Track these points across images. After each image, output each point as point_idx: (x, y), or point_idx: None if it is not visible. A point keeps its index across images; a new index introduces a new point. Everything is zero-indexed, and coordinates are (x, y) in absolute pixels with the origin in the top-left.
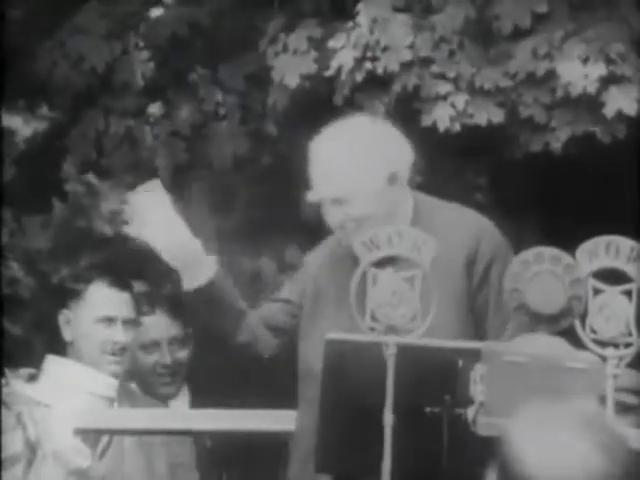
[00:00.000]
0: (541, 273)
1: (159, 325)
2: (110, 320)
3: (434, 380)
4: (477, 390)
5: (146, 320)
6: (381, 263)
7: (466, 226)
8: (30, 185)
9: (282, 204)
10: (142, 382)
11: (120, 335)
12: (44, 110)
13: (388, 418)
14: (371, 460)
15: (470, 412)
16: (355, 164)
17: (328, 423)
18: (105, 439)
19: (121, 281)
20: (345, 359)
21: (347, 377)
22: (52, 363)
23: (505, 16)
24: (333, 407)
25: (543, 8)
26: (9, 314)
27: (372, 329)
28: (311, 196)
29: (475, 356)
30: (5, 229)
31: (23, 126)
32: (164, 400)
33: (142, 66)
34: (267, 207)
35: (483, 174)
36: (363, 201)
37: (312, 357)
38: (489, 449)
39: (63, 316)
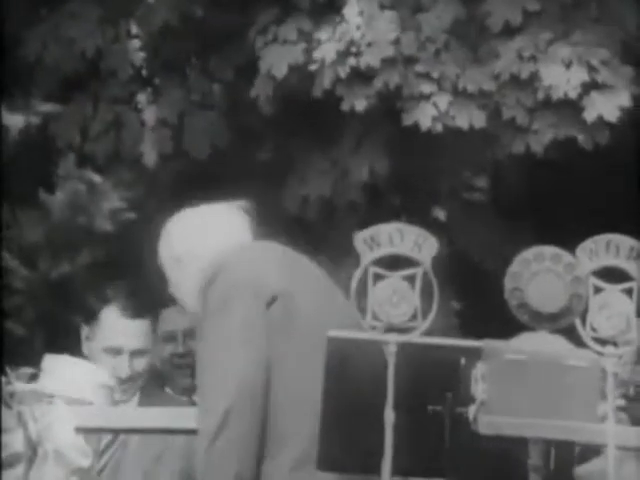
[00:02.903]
0: (542, 272)
1: (174, 317)
2: (117, 351)
3: (435, 378)
4: (478, 388)
5: (163, 312)
6: (381, 261)
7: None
8: (24, 177)
9: (263, 198)
10: (161, 375)
11: (124, 369)
12: (37, 102)
13: (389, 416)
14: (373, 458)
15: (471, 410)
16: (160, 255)
17: (330, 421)
18: (107, 438)
19: (135, 310)
20: (347, 357)
21: (349, 375)
22: (50, 360)
23: (496, 13)
24: (335, 404)
25: (535, 6)
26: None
27: (373, 327)
28: None
29: (476, 354)
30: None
31: (16, 117)
32: (186, 394)
33: (133, 54)
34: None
35: (478, 173)
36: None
37: None
38: (490, 447)
39: (84, 331)
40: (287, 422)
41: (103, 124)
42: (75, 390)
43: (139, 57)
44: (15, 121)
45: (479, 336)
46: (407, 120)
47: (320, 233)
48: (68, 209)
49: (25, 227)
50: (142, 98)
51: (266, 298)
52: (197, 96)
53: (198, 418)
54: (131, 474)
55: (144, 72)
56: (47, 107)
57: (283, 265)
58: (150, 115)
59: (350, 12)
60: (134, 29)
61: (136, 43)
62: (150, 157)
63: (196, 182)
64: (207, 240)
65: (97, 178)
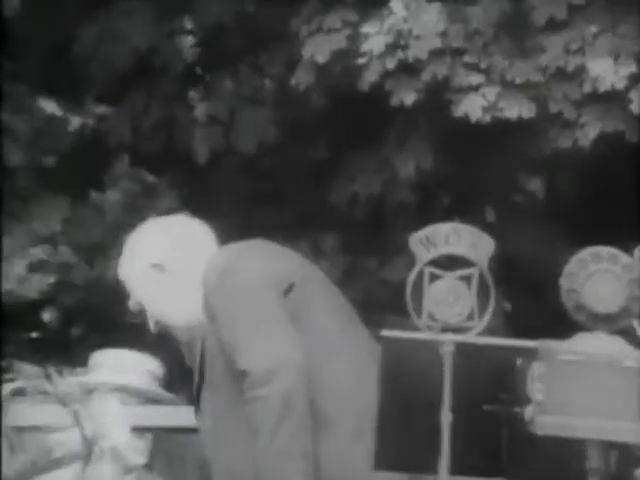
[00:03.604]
0: (599, 272)
1: None
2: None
3: (491, 378)
4: (534, 389)
5: None
6: (437, 261)
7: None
8: (79, 176)
9: (311, 194)
10: None
11: None
12: (91, 103)
13: (446, 416)
14: (429, 457)
15: (528, 411)
16: (130, 270)
17: (386, 420)
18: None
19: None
20: (401, 356)
21: (404, 374)
22: (97, 355)
23: (541, 7)
24: (390, 404)
25: (580, 0)
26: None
27: (429, 327)
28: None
29: (532, 355)
30: (57, 215)
31: (71, 117)
32: None
33: (186, 51)
34: (298, 196)
35: (528, 171)
36: (152, 300)
37: None
38: (547, 448)
39: None
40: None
41: (155, 121)
42: (120, 377)
43: (191, 54)
44: (71, 122)
45: (531, 337)
46: (456, 112)
47: (369, 232)
48: (121, 209)
49: (82, 225)
50: (194, 95)
51: (284, 286)
52: (248, 92)
53: (254, 406)
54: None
55: (197, 69)
56: (101, 109)
57: (289, 256)
58: (201, 111)
59: (397, 5)
60: (188, 26)
61: (189, 40)
62: (201, 154)
63: (246, 179)
64: (192, 248)
65: (151, 177)
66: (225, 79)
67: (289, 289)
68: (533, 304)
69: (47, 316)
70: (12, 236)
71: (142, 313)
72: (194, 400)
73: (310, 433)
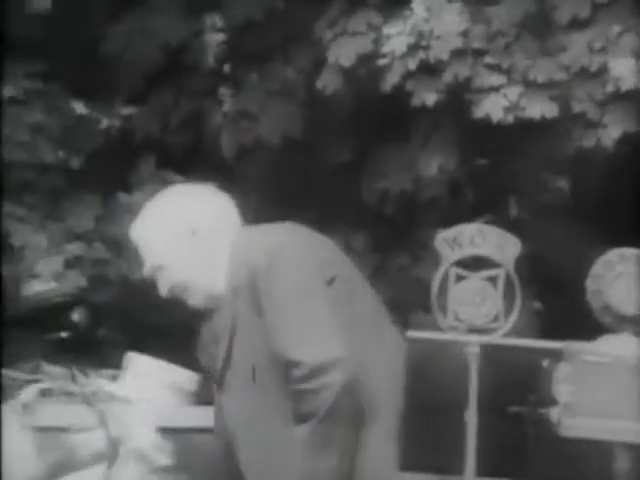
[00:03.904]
0: (625, 274)
1: None
2: None
3: (516, 379)
4: (560, 390)
5: None
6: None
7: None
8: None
9: (340, 191)
10: None
11: None
12: (119, 104)
13: (471, 417)
14: (454, 459)
15: (554, 413)
16: (157, 231)
17: (411, 421)
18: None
19: None
20: (426, 357)
21: (429, 375)
22: (132, 359)
23: (564, 5)
24: (415, 405)
25: None
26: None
27: (454, 328)
28: (144, 272)
29: (558, 356)
30: (90, 212)
31: (100, 116)
32: None
33: (216, 47)
34: (327, 193)
35: (554, 172)
36: (177, 263)
37: None
38: (573, 450)
39: None
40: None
41: (184, 116)
42: (151, 394)
43: (221, 50)
44: (100, 122)
45: (559, 338)
46: (478, 112)
47: (399, 228)
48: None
49: (112, 223)
50: (224, 90)
51: (327, 277)
52: (277, 87)
53: (304, 397)
54: None
55: (226, 65)
56: (128, 110)
57: (330, 247)
58: (230, 107)
59: (418, 5)
60: (218, 22)
61: (219, 36)
62: (230, 149)
63: (274, 175)
64: (222, 216)
65: (177, 178)
66: (254, 74)
67: (331, 281)
68: (559, 305)
69: (76, 316)
70: (47, 233)
71: (156, 276)
72: (215, 377)
73: (354, 431)
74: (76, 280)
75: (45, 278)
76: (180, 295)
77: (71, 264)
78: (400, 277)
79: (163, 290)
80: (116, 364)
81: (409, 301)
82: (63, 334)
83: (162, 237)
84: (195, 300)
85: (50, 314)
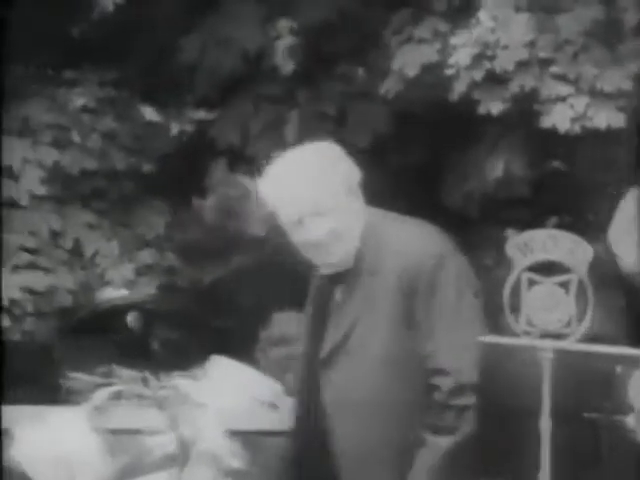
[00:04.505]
0: None
1: (289, 320)
2: None
3: (590, 386)
4: (637, 397)
5: (275, 316)
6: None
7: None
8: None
9: (420, 195)
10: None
11: None
12: (190, 109)
13: (545, 423)
14: (529, 465)
15: (630, 420)
16: (317, 180)
17: (484, 426)
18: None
19: None
20: (500, 362)
21: (502, 380)
22: (216, 363)
23: (632, 11)
24: (488, 409)
25: None
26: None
27: (527, 333)
28: (284, 218)
29: (634, 362)
30: (160, 220)
31: (170, 123)
32: None
33: (293, 51)
34: (407, 196)
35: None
36: (335, 213)
37: None
38: None
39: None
40: None
41: (264, 123)
42: (229, 398)
43: (299, 54)
44: (171, 128)
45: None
46: (545, 122)
47: (478, 230)
48: (218, 214)
49: (183, 230)
50: (302, 94)
51: (475, 290)
52: (355, 88)
53: (440, 410)
54: None
55: (303, 69)
56: (200, 114)
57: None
58: (309, 110)
59: (485, 15)
60: (295, 26)
61: (296, 40)
62: None
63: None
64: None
65: (250, 183)
66: (332, 77)
67: (477, 294)
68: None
69: (138, 320)
70: (118, 240)
71: (308, 222)
72: (324, 351)
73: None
74: (147, 288)
75: (116, 285)
76: (328, 244)
77: (142, 271)
78: (485, 279)
79: (316, 234)
80: (184, 367)
81: (495, 302)
82: (133, 339)
83: (326, 186)
84: (333, 256)
85: (120, 320)
